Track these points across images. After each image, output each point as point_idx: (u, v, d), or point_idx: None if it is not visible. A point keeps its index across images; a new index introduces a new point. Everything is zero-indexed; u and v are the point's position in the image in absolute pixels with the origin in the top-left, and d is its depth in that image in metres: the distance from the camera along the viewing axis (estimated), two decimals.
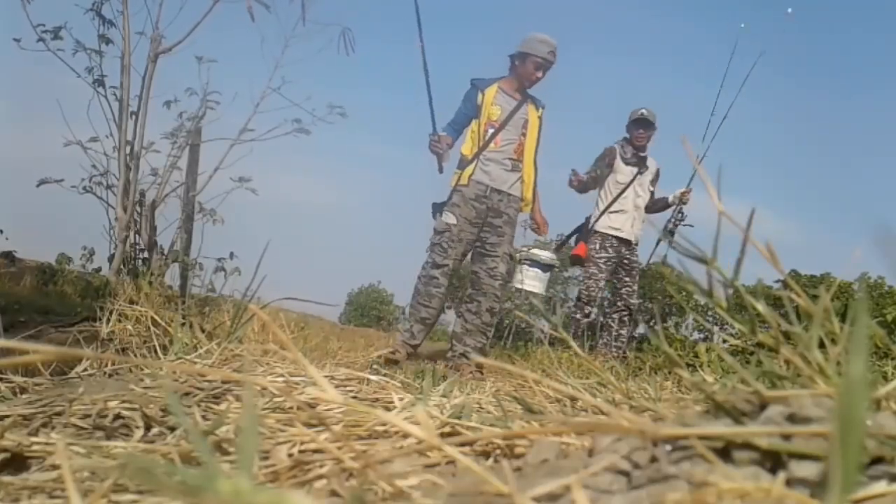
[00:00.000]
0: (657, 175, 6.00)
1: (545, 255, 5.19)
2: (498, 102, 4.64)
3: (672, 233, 5.77)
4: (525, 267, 5.12)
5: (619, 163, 5.81)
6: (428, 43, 4.62)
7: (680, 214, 5.91)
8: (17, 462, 0.73)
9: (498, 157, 4.64)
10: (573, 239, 6.12)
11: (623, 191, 5.77)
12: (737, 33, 6.06)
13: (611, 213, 5.80)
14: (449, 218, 4.56)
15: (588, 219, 5.98)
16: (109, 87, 4.96)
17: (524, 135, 4.70)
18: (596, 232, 5.84)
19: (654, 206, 6.02)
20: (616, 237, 5.79)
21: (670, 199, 5.98)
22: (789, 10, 6.15)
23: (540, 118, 4.77)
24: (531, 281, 5.11)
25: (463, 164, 4.62)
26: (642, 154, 5.86)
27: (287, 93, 5.19)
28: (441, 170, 4.63)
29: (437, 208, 4.74)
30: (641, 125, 5.80)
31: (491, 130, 4.59)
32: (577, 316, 5.88)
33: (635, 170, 5.80)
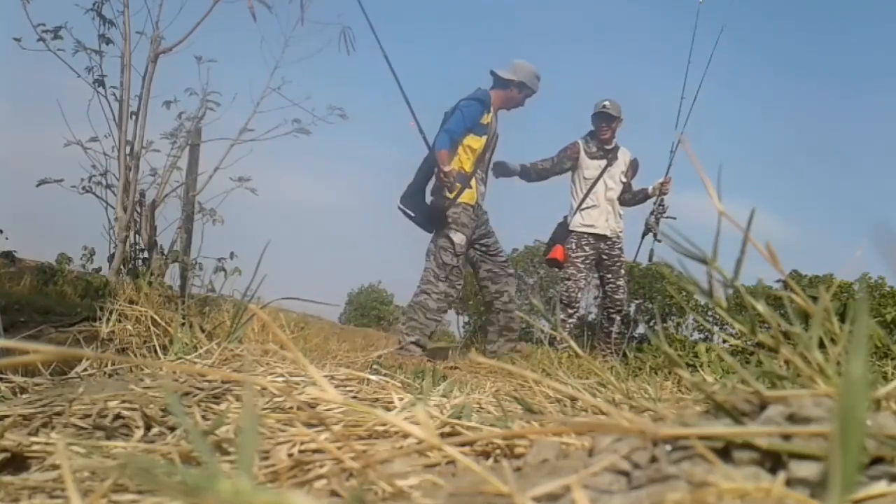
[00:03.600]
0: (632, 166, 5.83)
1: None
2: (493, 123, 4.85)
3: (653, 228, 5.72)
4: None
5: (583, 158, 5.67)
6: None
7: (661, 207, 5.76)
8: (17, 462, 0.73)
9: (483, 175, 4.88)
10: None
11: (592, 185, 5.62)
12: (696, 9, 5.89)
13: (583, 209, 5.65)
14: (462, 239, 4.69)
15: (565, 218, 5.84)
16: (109, 87, 4.97)
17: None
18: (571, 231, 5.69)
19: (634, 198, 5.87)
20: (591, 234, 5.64)
21: (650, 190, 5.83)
22: None
23: (497, 137, 5.04)
24: None
25: (464, 179, 4.70)
26: (608, 147, 5.69)
27: (287, 93, 5.20)
28: (453, 195, 4.70)
29: (430, 222, 4.77)
30: (603, 119, 5.64)
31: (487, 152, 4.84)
32: (562, 317, 5.69)
33: (603, 163, 5.65)
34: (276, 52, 5.29)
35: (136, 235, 4.92)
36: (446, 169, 4.54)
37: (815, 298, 0.64)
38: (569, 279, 5.69)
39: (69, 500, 0.41)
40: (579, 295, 5.74)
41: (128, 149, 4.94)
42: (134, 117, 4.98)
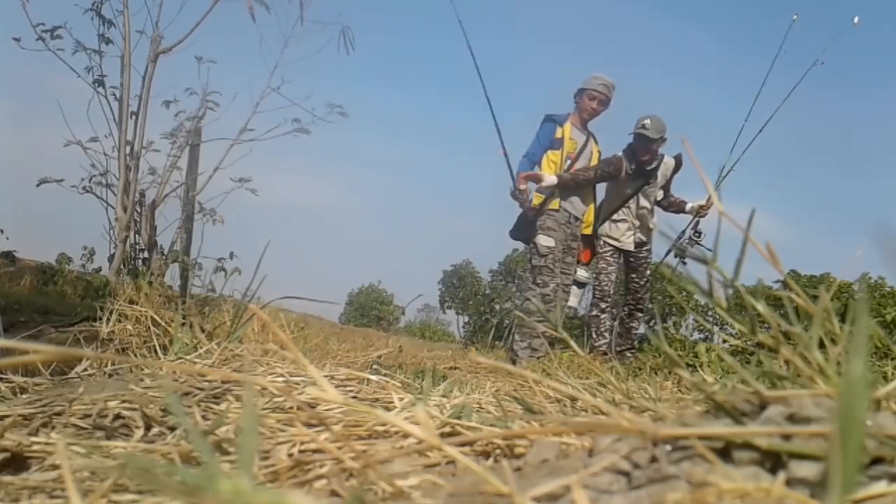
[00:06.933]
0: (676, 167, 5.64)
1: (581, 273, 5.55)
2: (574, 136, 5.24)
3: (684, 251, 5.59)
4: None
5: (623, 174, 5.47)
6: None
7: (696, 232, 5.71)
8: (17, 462, 0.73)
9: (576, 187, 5.25)
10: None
11: (625, 202, 5.59)
12: (785, 33, 5.78)
13: (612, 221, 5.67)
14: (549, 241, 5.15)
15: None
16: (109, 87, 4.97)
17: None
18: (598, 236, 5.71)
19: (671, 206, 5.81)
20: (614, 247, 5.66)
21: (688, 207, 5.76)
22: (856, 19, 5.94)
23: (599, 152, 5.41)
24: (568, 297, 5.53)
25: (546, 189, 5.16)
26: (648, 168, 5.47)
27: (287, 92, 5.21)
28: (530, 204, 5.17)
29: (521, 232, 5.25)
30: (641, 141, 5.28)
31: (569, 161, 5.20)
32: (595, 312, 5.68)
33: (640, 181, 5.51)
34: (276, 51, 5.30)
35: (136, 235, 4.93)
36: (522, 187, 5.14)
37: (815, 298, 0.64)
38: (601, 272, 5.65)
39: (69, 500, 0.41)
40: (612, 288, 5.66)
41: (128, 149, 4.94)
42: (134, 117, 4.99)
